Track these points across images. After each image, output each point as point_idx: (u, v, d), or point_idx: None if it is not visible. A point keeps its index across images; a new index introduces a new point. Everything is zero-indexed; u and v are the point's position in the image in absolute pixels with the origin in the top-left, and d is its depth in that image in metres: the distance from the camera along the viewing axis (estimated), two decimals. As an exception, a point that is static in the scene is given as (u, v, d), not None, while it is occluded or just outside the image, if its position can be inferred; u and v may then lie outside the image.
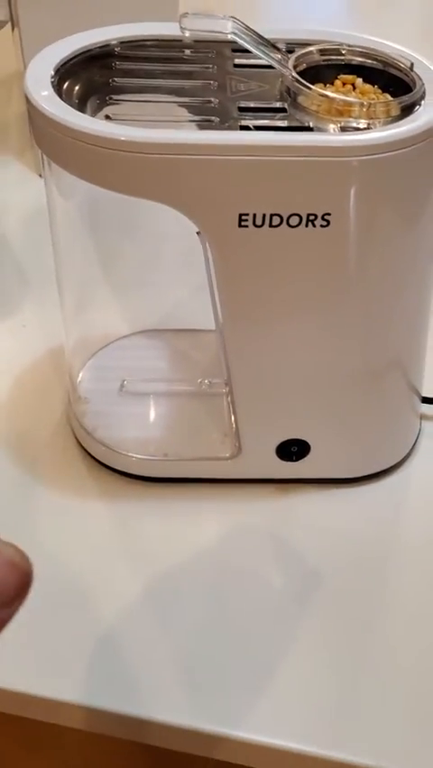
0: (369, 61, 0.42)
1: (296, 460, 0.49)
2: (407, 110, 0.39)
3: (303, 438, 0.48)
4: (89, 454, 0.51)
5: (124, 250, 0.60)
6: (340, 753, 0.39)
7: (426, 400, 0.52)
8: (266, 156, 0.37)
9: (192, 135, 0.37)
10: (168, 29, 0.44)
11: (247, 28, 0.40)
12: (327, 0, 1.14)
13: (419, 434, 0.53)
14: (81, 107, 0.40)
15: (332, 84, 0.42)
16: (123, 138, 0.36)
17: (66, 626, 0.43)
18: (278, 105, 0.40)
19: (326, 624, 0.44)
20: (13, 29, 0.82)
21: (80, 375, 0.54)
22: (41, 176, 0.75)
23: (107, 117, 0.39)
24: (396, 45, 0.43)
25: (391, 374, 0.47)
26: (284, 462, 0.49)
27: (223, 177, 0.37)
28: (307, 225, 0.38)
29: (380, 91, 0.42)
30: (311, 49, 0.42)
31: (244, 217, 0.38)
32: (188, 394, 0.54)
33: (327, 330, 0.43)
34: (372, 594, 0.45)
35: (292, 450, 0.48)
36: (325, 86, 0.42)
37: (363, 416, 0.48)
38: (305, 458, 0.49)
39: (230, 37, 0.39)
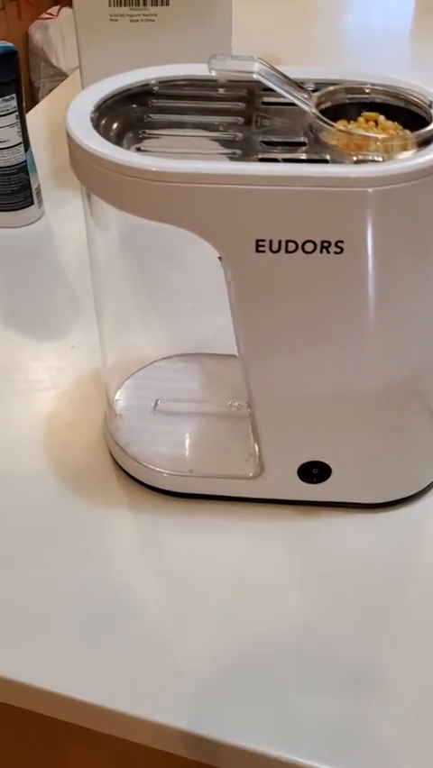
0: (391, 99, 0.44)
1: (317, 482, 0.50)
2: (423, 144, 0.41)
3: (324, 461, 0.49)
4: (122, 468, 0.54)
5: (167, 278, 0.63)
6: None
7: (451, 429, 0.53)
8: (281, 186, 0.39)
9: (212, 166, 0.40)
10: (204, 70, 0.47)
11: (272, 68, 0.42)
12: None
13: (442, 463, 0.53)
14: (118, 142, 0.43)
15: (356, 121, 0.44)
16: (149, 168, 0.39)
17: (97, 631, 0.45)
18: (299, 139, 0.42)
19: (339, 645, 0.44)
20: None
21: (118, 394, 0.57)
22: (98, 209, 0.79)
23: (138, 150, 0.42)
24: (418, 83, 0.45)
25: (412, 400, 0.48)
26: (306, 485, 0.50)
27: (241, 204, 0.39)
28: (321, 252, 0.40)
29: (401, 128, 0.43)
30: (336, 87, 0.44)
31: (261, 243, 0.40)
32: (218, 415, 0.56)
33: (344, 355, 0.45)
34: (387, 619, 0.46)
35: (313, 472, 0.50)
36: (349, 122, 0.44)
37: (384, 441, 0.49)
38: (326, 481, 0.50)
39: (255, 77, 0.42)
